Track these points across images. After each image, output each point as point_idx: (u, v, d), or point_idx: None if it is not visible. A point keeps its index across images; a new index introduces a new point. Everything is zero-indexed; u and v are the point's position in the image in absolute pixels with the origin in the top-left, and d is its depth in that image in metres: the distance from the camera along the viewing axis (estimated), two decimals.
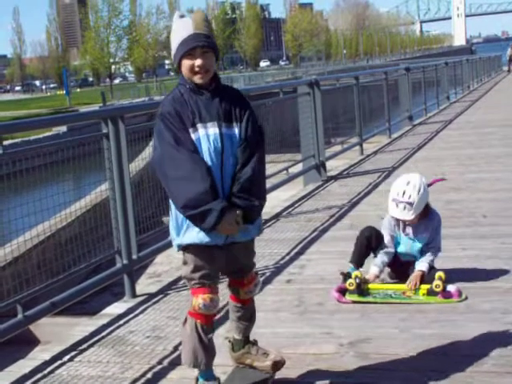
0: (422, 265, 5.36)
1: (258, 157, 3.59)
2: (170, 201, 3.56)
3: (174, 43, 3.55)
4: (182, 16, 3.59)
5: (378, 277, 5.46)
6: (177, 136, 3.43)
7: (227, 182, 3.52)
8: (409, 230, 5.49)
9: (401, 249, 5.56)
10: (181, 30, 3.52)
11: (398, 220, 5.47)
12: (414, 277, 5.29)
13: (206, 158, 3.46)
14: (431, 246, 5.45)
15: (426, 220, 5.46)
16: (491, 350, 4.24)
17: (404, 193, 5.31)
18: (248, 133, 3.58)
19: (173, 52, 3.58)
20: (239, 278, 3.78)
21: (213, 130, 3.50)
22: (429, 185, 5.55)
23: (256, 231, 3.72)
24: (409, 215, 5.31)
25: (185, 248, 3.59)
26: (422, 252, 5.48)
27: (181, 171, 3.39)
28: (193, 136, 3.47)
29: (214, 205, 3.39)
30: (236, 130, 3.57)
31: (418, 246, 5.49)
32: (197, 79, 3.53)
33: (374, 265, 5.49)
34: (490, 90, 31.90)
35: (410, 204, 5.28)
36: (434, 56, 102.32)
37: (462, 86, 30.05)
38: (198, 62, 3.49)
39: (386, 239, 5.54)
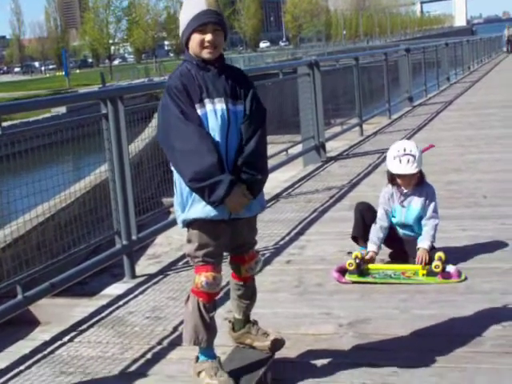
0: (424, 242, 5.36)
1: (261, 133, 3.61)
2: (175, 177, 3.56)
3: (185, 19, 3.54)
4: None
5: (376, 253, 5.48)
6: (183, 110, 3.43)
7: (231, 157, 3.52)
8: (403, 198, 5.51)
9: (397, 220, 5.57)
10: (193, 6, 3.53)
11: (393, 188, 5.51)
12: (421, 256, 5.29)
13: (213, 132, 3.47)
14: (428, 216, 5.44)
15: (421, 188, 5.50)
16: (490, 331, 4.25)
17: (404, 149, 5.39)
18: (252, 110, 3.62)
19: (182, 28, 3.57)
20: (241, 254, 3.79)
21: (220, 105, 3.52)
22: (422, 151, 5.61)
23: (258, 207, 3.72)
24: (413, 168, 5.34)
25: (189, 224, 3.58)
26: (419, 224, 5.48)
27: (188, 144, 3.40)
28: (199, 111, 3.47)
29: (223, 177, 3.40)
30: (241, 107, 3.59)
31: (414, 214, 5.50)
32: (205, 54, 3.54)
33: (371, 242, 5.51)
34: (491, 70, 31.85)
35: (413, 156, 5.33)
36: (435, 37, 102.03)
37: (462, 66, 29.99)
38: (209, 37, 3.51)
39: (380, 213, 5.58)
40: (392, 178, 5.52)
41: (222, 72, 3.60)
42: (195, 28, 3.51)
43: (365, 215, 5.72)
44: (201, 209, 3.50)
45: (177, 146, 3.43)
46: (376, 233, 5.53)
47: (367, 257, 5.41)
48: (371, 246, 5.50)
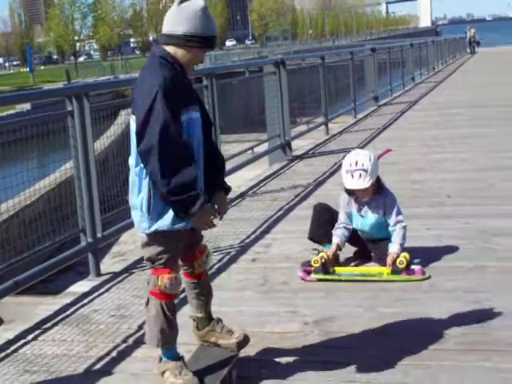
0: (394, 246, 5.36)
1: None
2: (135, 177, 3.52)
3: (195, 27, 3.44)
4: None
5: (339, 247, 5.47)
6: (173, 116, 3.37)
7: (201, 165, 3.57)
8: (361, 207, 5.52)
9: (355, 226, 5.60)
10: (207, 23, 3.48)
11: (351, 197, 5.51)
12: (390, 260, 5.30)
13: (193, 141, 3.51)
14: (393, 223, 5.45)
15: (379, 196, 5.48)
16: (453, 329, 4.28)
17: (356, 162, 5.36)
18: (208, 115, 3.77)
19: (182, 28, 3.45)
20: (192, 251, 3.80)
21: (196, 112, 3.56)
22: (378, 157, 5.60)
23: None
24: (365, 182, 5.31)
25: (154, 232, 3.57)
26: (378, 230, 5.50)
27: (174, 154, 3.35)
28: (185, 116, 3.47)
29: (200, 193, 3.41)
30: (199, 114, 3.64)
31: (370, 222, 5.51)
32: (191, 67, 3.61)
33: (335, 235, 5.53)
34: (455, 71, 32.15)
35: (365, 171, 5.30)
36: (400, 37, 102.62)
37: (427, 67, 30.24)
38: (202, 60, 3.63)
39: (342, 217, 5.58)
40: (349, 192, 5.52)
41: (189, 80, 3.68)
42: (204, 48, 3.55)
43: (321, 216, 5.76)
44: (168, 220, 3.49)
45: (161, 153, 3.33)
46: (340, 231, 5.55)
47: (330, 252, 5.41)
48: (335, 239, 5.51)
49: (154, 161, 3.35)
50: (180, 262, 3.81)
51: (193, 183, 3.38)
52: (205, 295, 3.92)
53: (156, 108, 3.35)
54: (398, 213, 5.47)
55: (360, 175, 5.31)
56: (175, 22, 3.49)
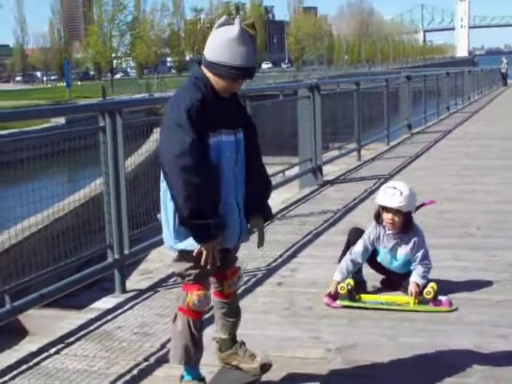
0: (415, 277, 5.31)
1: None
2: (163, 195, 3.53)
3: (229, 53, 3.41)
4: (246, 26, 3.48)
5: (339, 283, 5.36)
6: (198, 138, 3.35)
7: (240, 189, 3.56)
8: (388, 243, 5.46)
9: (381, 260, 5.54)
10: (242, 52, 3.42)
11: (378, 227, 5.45)
12: (411, 290, 5.25)
13: (222, 165, 3.47)
14: (417, 263, 5.38)
15: (407, 236, 5.41)
16: (478, 363, 4.23)
17: (395, 185, 5.35)
18: (256, 137, 3.71)
19: (217, 57, 3.43)
20: (224, 270, 3.78)
21: (231, 136, 3.53)
22: (418, 207, 5.52)
23: (248, 237, 3.79)
24: (397, 202, 5.23)
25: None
26: (405, 266, 5.44)
27: (197, 178, 3.32)
28: (213, 139, 3.44)
29: (217, 221, 3.40)
30: (241, 134, 3.62)
31: (399, 261, 5.45)
32: (224, 94, 3.55)
33: (339, 271, 5.42)
34: (490, 102, 31.94)
35: (401, 193, 5.25)
36: (436, 66, 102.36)
37: (462, 97, 30.06)
38: (236, 89, 3.59)
39: (358, 248, 5.47)
40: (377, 214, 5.46)
41: (230, 101, 3.61)
42: (235, 79, 3.49)
43: (355, 241, 5.66)
44: (193, 240, 3.48)
45: (182, 175, 3.33)
46: (346, 264, 5.43)
47: (331, 289, 5.35)
48: (337, 276, 5.40)
49: (175, 183, 3.35)
50: (211, 280, 3.81)
51: (212, 210, 3.37)
52: (232, 317, 3.90)
53: (179, 130, 3.35)
54: (424, 257, 5.39)
55: (394, 194, 5.26)
56: (208, 46, 3.50)
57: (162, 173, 3.48)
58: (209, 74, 3.49)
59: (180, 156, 3.32)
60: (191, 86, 3.49)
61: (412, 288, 5.25)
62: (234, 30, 3.41)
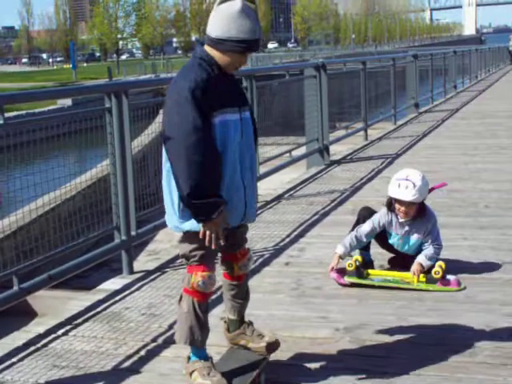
0: (420, 258, 5.29)
1: None
2: (167, 176, 3.51)
3: (233, 29, 3.39)
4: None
5: (341, 258, 5.33)
6: (202, 118, 3.33)
7: (246, 167, 3.54)
8: (400, 230, 5.43)
9: (392, 242, 5.51)
10: (248, 25, 3.40)
11: (390, 214, 5.41)
12: (414, 270, 5.24)
13: (227, 143, 3.43)
14: (428, 243, 5.37)
15: (420, 221, 5.36)
16: (487, 342, 4.22)
17: (407, 176, 5.26)
18: (253, 116, 3.73)
19: (223, 33, 3.41)
20: (233, 252, 3.76)
21: (236, 114, 3.50)
22: (431, 189, 5.47)
23: (255, 216, 3.80)
24: (409, 195, 5.19)
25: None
26: (417, 249, 5.42)
27: (199, 156, 3.30)
28: (217, 119, 3.41)
29: (219, 200, 3.38)
30: (248, 113, 3.62)
31: (411, 245, 5.43)
32: (231, 70, 3.54)
33: (342, 244, 5.37)
34: (498, 80, 31.79)
35: (414, 184, 5.18)
36: (443, 44, 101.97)
37: (469, 75, 29.92)
38: (245, 61, 3.54)
39: (366, 228, 5.42)
40: (390, 203, 5.40)
41: (233, 79, 3.62)
42: (241, 52, 3.46)
43: (364, 221, 5.61)
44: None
45: (184, 154, 3.32)
46: (350, 239, 5.38)
47: (332, 265, 5.33)
48: (339, 249, 5.34)
49: (178, 162, 3.35)
50: (220, 262, 3.79)
51: (214, 189, 3.36)
52: (241, 298, 3.89)
53: (183, 109, 3.34)
54: (436, 239, 5.36)
55: (407, 186, 5.19)
56: (212, 23, 3.47)
57: (164, 153, 3.47)
58: (214, 53, 3.47)
59: (184, 135, 3.31)
60: (195, 66, 3.47)
61: (414, 268, 5.24)
62: (236, 4, 3.40)
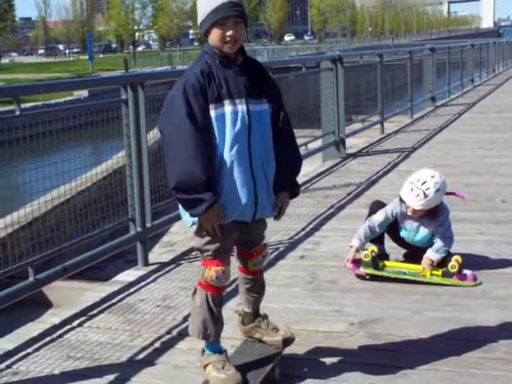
0: (430, 252, 5.28)
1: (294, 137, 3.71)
2: None
3: (205, 9, 3.39)
4: None
5: (357, 251, 5.35)
6: (193, 112, 3.30)
7: (257, 161, 3.45)
8: (411, 224, 5.42)
9: (404, 235, 5.51)
10: None
11: (403, 208, 5.38)
12: (424, 265, 5.23)
13: (232, 135, 3.36)
14: (439, 236, 5.35)
15: (434, 216, 5.35)
16: (503, 337, 4.19)
17: (424, 183, 5.22)
18: (283, 108, 3.61)
19: (201, 18, 3.43)
20: (249, 249, 3.74)
21: (240, 106, 3.41)
22: (448, 193, 5.45)
23: (272, 211, 3.70)
24: (417, 205, 5.20)
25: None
26: (429, 241, 5.40)
27: (182, 151, 3.29)
28: (216, 111, 3.35)
29: (206, 196, 3.32)
30: (265, 106, 3.51)
31: (421, 237, 5.41)
32: (226, 48, 3.42)
33: (357, 237, 5.39)
34: None
35: (425, 195, 5.17)
36: (461, 37, 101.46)
37: (487, 69, 29.76)
38: (230, 32, 3.38)
39: (379, 217, 5.42)
40: (401, 199, 5.41)
41: (243, 69, 3.49)
42: (215, 22, 3.38)
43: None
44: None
45: (171, 147, 3.34)
46: (364, 231, 5.39)
47: (349, 256, 5.35)
48: (354, 242, 5.37)
49: (166, 157, 3.36)
50: (235, 255, 3.79)
51: (198, 184, 3.30)
52: (256, 292, 3.87)
53: (175, 103, 3.34)
54: (446, 230, 5.33)
55: (418, 195, 5.19)
56: (198, 14, 3.48)
57: None
58: (209, 39, 3.46)
59: (169, 130, 3.34)
60: (196, 61, 3.48)
61: (424, 263, 5.24)
62: None
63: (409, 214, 5.36)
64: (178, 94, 3.35)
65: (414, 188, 5.22)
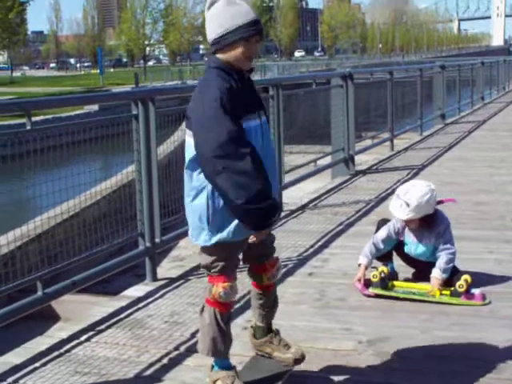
0: (435, 271, 5.26)
1: None
2: (199, 196, 3.46)
3: (231, 22, 3.34)
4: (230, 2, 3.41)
5: (366, 268, 5.35)
6: (238, 126, 3.29)
7: (267, 171, 3.43)
8: (411, 238, 5.42)
9: (407, 251, 5.50)
10: (239, 12, 3.35)
11: (403, 225, 5.40)
12: (432, 284, 5.21)
13: (257, 148, 3.39)
14: (440, 249, 5.31)
15: (432, 229, 5.34)
16: None
17: (406, 192, 5.25)
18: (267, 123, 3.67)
19: (223, 30, 3.35)
20: (262, 263, 3.73)
21: (257, 120, 3.46)
22: (439, 202, 5.44)
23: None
24: (403, 214, 5.22)
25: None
26: (432, 255, 5.38)
27: (247, 164, 3.24)
28: (245, 126, 3.37)
29: (274, 201, 3.35)
30: (265, 118, 3.58)
31: (422, 251, 5.40)
32: (246, 65, 3.43)
33: (363, 255, 5.39)
34: None
35: (407, 205, 5.19)
36: (471, 55, 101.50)
37: (497, 86, 29.73)
38: (254, 49, 3.42)
39: (382, 234, 5.44)
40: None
41: (251, 83, 3.56)
42: (245, 37, 3.35)
43: None
44: (227, 233, 3.43)
45: (232, 166, 3.23)
46: (369, 248, 5.41)
47: (359, 275, 5.33)
48: (362, 259, 5.38)
49: (221, 177, 3.26)
50: (247, 271, 3.78)
51: (268, 191, 3.33)
52: (269, 306, 3.87)
53: (214, 123, 3.26)
54: (447, 241, 5.32)
55: (401, 205, 5.22)
56: (208, 29, 3.44)
57: (188, 171, 3.47)
58: (224, 56, 3.41)
59: (222, 147, 3.23)
60: (214, 77, 3.39)
61: (432, 283, 5.22)
62: (220, 0, 3.40)
63: (407, 226, 5.36)
64: (214, 112, 3.28)
65: (397, 199, 5.27)
